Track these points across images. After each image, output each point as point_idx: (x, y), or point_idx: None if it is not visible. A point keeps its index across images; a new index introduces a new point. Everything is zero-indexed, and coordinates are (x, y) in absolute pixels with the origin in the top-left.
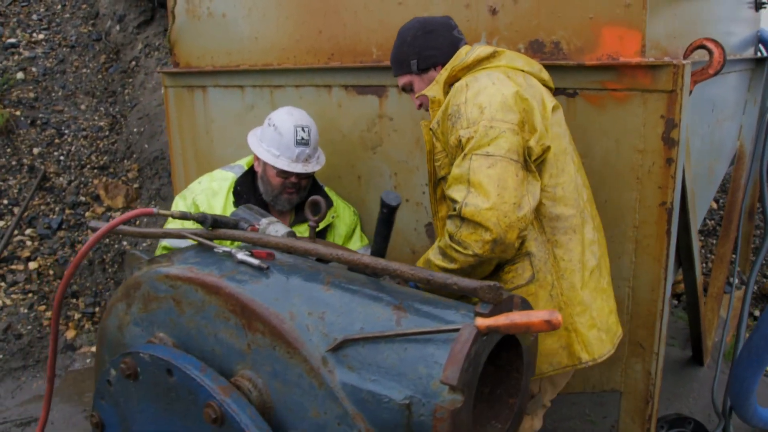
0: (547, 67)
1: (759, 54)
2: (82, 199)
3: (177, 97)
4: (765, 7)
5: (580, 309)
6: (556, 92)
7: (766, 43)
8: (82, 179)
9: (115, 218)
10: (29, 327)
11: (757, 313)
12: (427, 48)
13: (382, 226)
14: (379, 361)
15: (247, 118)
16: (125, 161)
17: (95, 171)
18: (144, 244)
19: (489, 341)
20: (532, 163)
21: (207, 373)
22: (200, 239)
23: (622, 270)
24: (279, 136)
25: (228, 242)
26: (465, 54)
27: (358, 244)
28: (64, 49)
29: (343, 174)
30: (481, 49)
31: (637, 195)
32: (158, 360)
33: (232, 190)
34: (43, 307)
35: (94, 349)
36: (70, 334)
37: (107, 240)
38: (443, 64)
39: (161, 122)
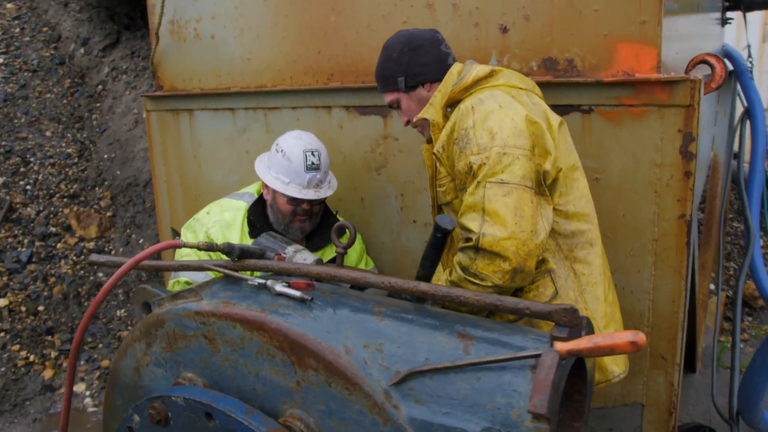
0: (562, 85)
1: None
2: (53, 229)
3: (160, 121)
4: (730, 23)
5: (606, 321)
6: (570, 109)
7: (731, 57)
8: (52, 209)
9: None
10: (2, 369)
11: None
12: (415, 65)
13: (433, 251)
14: (451, 393)
15: (239, 141)
16: (97, 189)
17: (65, 200)
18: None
19: (566, 366)
20: (546, 186)
21: (254, 416)
22: (227, 271)
23: (642, 283)
24: (288, 162)
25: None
26: (457, 73)
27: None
28: (26, 74)
29: (345, 196)
30: (479, 69)
31: (656, 208)
32: (195, 403)
33: (246, 219)
34: (16, 347)
35: (75, 388)
36: (47, 374)
37: (81, 272)
38: (432, 82)
39: (133, 147)
